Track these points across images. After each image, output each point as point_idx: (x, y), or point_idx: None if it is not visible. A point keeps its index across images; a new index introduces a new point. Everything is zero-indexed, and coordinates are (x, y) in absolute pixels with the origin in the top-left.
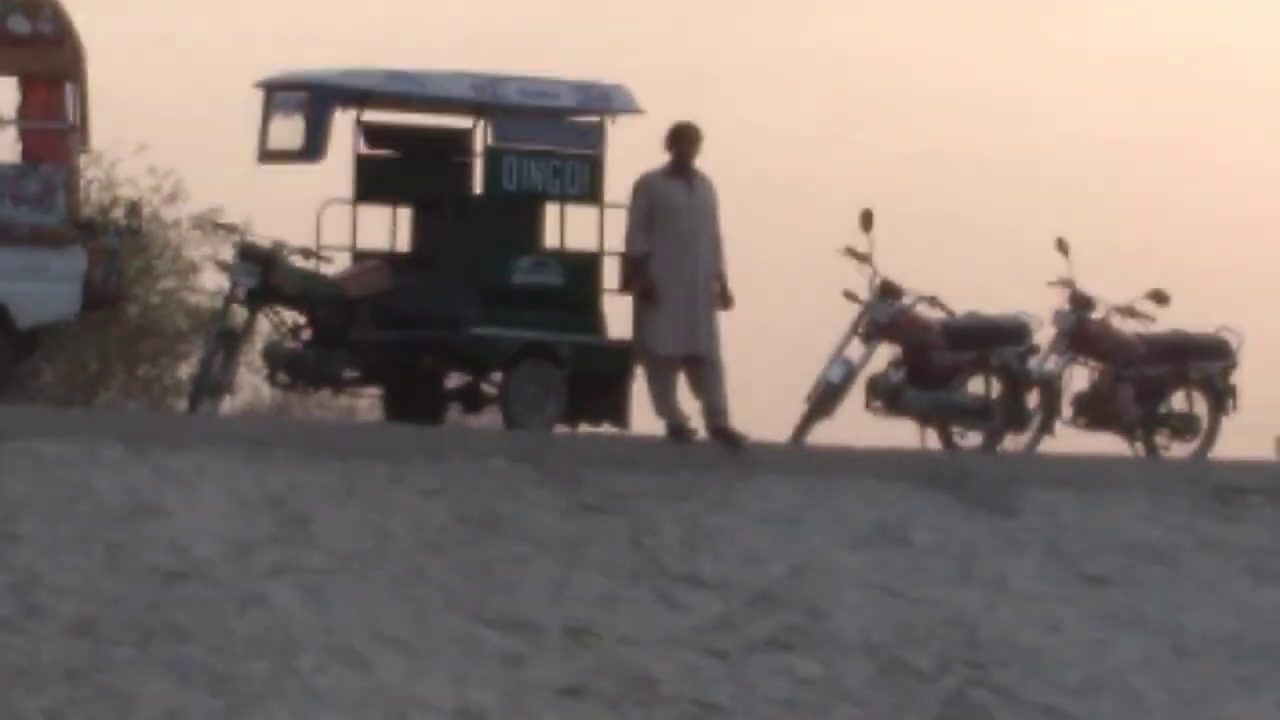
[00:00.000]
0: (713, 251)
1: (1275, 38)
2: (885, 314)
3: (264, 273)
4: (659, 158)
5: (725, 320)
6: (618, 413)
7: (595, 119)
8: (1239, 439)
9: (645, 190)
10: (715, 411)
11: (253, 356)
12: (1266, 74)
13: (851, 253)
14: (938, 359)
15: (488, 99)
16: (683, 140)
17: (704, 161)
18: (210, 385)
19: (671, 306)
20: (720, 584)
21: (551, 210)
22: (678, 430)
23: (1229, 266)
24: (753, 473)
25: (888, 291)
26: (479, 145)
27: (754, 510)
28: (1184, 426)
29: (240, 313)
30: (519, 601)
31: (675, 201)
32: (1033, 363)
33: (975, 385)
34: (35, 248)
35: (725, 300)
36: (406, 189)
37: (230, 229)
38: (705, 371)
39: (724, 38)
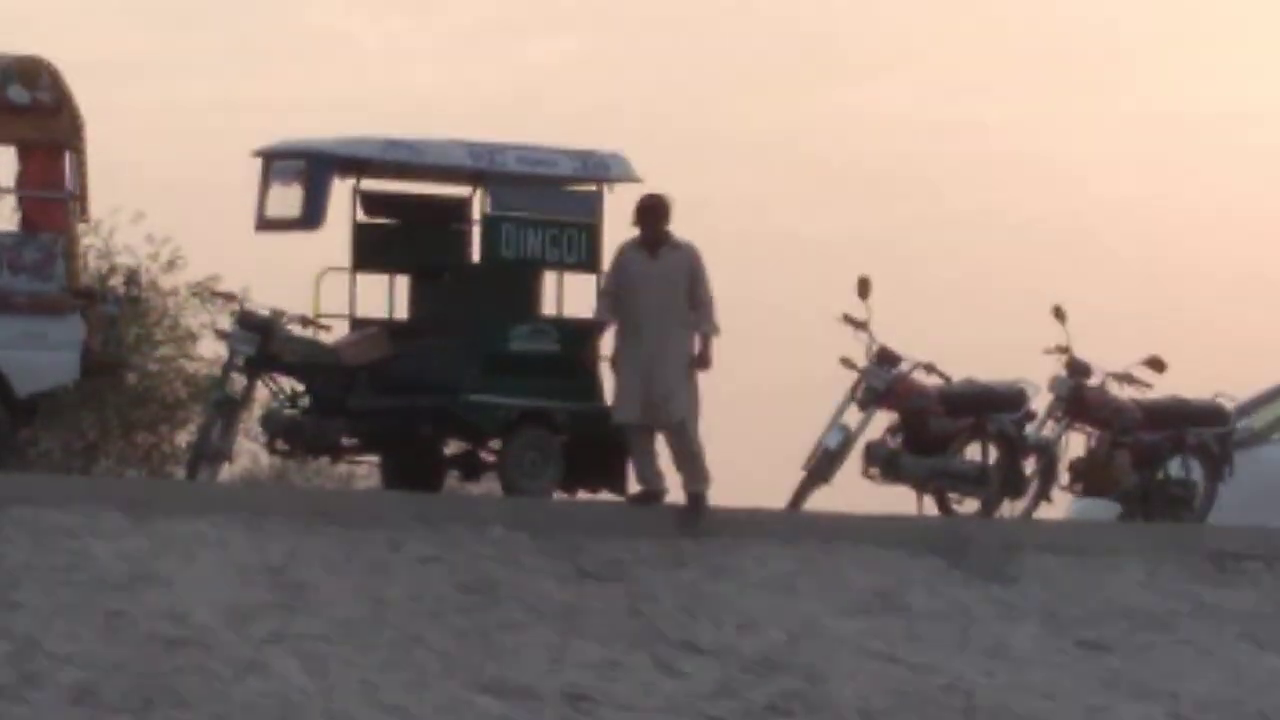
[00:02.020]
0: (696, 316)
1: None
2: (882, 380)
3: (262, 340)
4: None
5: (721, 385)
6: (615, 479)
7: (593, 187)
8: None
9: (615, 260)
10: (690, 480)
11: (251, 424)
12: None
13: (848, 320)
14: (935, 425)
15: (485, 167)
16: (645, 214)
17: (699, 227)
18: (209, 453)
19: (628, 375)
20: (718, 650)
21: (549, 278)
22: (641, 495)
23: (1227, 331)
24: (750, 540)
25: (885, 358)
26: (477, 213)
27: (752, 577)
28: (1181, 493)
29: (239, 380)
30: (517, 668)
31: (635, 272)
32: (1030, 429)
33: (972, 452)
34: (34, 315)
35: (702, 361)
36: (404, 257)
37: (228, 297)
38: (673, 442)
39: (720, 106)
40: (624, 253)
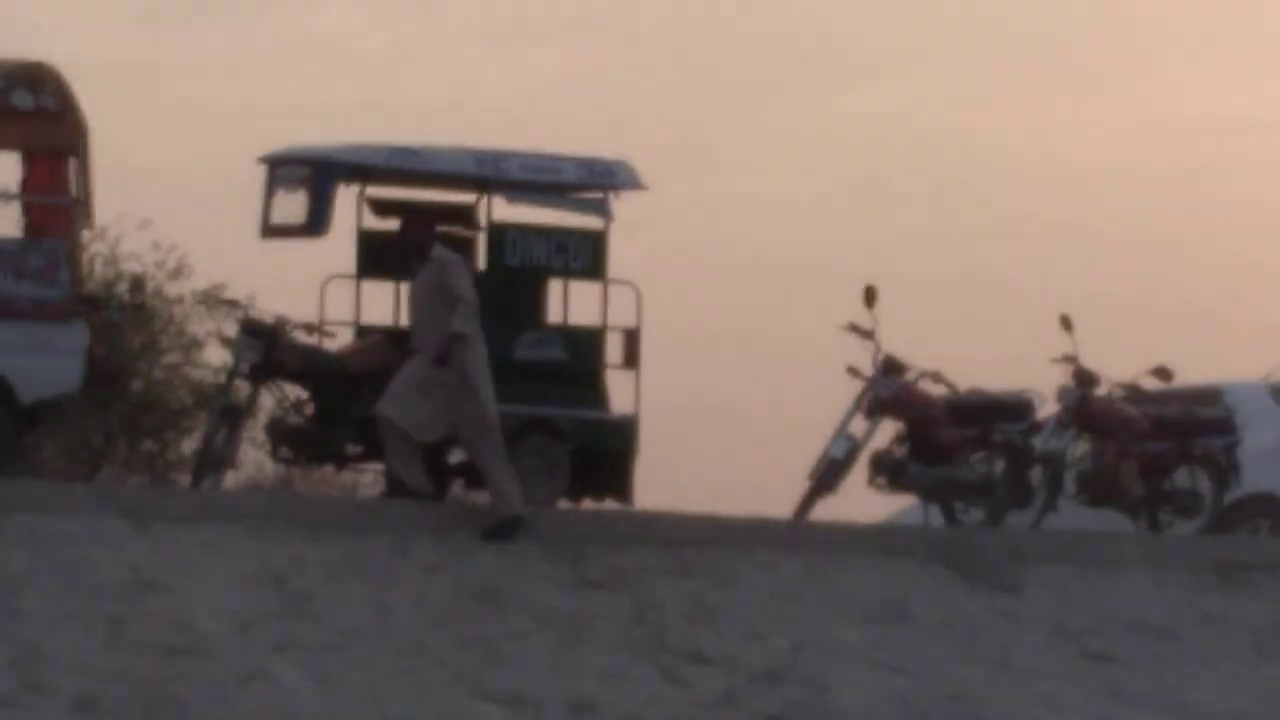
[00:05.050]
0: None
1: None
2: (888, 390)
3: (267, 348)
4: (664, 233)
5: (726, 393)
6: (621, 488)
7: (599, 194)
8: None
9: None
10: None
11: (256, 432)
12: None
13: (855, 329)
14: (941, 435)
15: (490, 174)
16: (402, 230)
17: (705, 231)
18: (213, 460)
19: (403, 380)
20: (723, 660)
21: (555, 285)
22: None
23: (1233, 337)
24: (756, 549)
25: (891, 367)
26: (482, 220)
27: (757, 586)
28: (1187, 503)
29: (243, 388)
30: (521, 677)
31: (409, 292)
32: (1036, 439)
33: (978, 461)
34: (38, 322)
35: (435, 359)
36: (409, 265)
37: (234, 304)
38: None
39: (730, 112)
40: None
